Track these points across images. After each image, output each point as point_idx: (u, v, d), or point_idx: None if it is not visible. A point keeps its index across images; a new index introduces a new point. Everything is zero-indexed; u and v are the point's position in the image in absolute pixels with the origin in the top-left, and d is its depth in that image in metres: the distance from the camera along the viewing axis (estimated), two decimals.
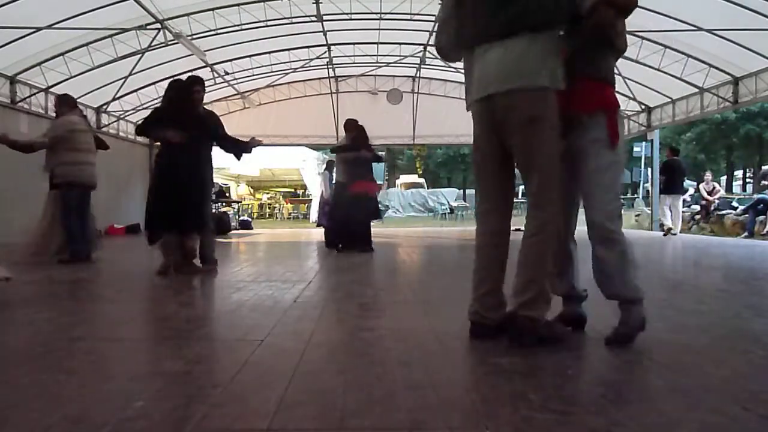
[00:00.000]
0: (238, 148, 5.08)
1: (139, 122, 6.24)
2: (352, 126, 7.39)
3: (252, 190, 25.22)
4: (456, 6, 2.33)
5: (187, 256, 4.68)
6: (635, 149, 24.45)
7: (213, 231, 5.29)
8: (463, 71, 2.44)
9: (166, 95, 4.85)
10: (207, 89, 12.35)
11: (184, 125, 4.66)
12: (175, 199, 4.59)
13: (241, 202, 19.80)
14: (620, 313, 2.22)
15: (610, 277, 2.22)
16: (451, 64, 11.98)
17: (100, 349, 2.20)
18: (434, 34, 2.61)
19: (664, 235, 10.21)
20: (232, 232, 12.69)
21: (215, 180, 21.60)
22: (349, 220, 7.00)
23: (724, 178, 31.06)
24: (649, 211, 13.26)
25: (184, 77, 5.05)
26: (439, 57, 2.73)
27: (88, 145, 5.84)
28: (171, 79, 5.07)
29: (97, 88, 10.08)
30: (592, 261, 2.27)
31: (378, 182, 8.02)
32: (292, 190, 24.82)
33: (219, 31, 9.58)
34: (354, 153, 7.01)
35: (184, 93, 4.80)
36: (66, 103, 5.91)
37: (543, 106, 2.14)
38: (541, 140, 2.16)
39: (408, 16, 9.83)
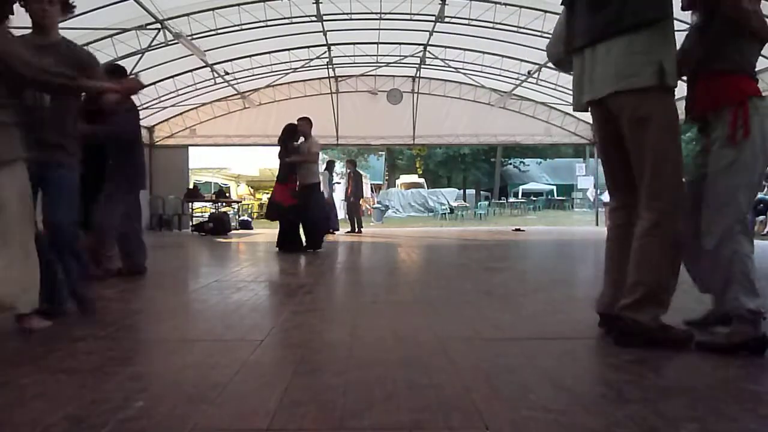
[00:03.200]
0: None
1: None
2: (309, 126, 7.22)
3: (252, 190, 25.24)
4: (568, 15, 2.40)
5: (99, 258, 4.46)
6: None
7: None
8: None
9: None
10: (207, 89, 12.54)
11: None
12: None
13: (241, 202, 19.79)
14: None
15: (714, 285, 2.22)
16: (450, 65, 12.00)
17: (100, 349, 2.20)
18: (550, 45, 2.66)
19: None
20: (232, 232, 12.69)
21: (215, 180, 21.63)
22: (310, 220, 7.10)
23: None
24: None
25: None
26: (551, 59, 2.76)
27: None
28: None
29: None
30: None
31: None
32: None
33: (219, 31, 9.57)
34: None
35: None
36: None
37: (650, 105, 2.13)
38: (651, 139, 2.14)
39: (408, 16, 9.82)
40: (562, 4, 2.46)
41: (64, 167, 2.79)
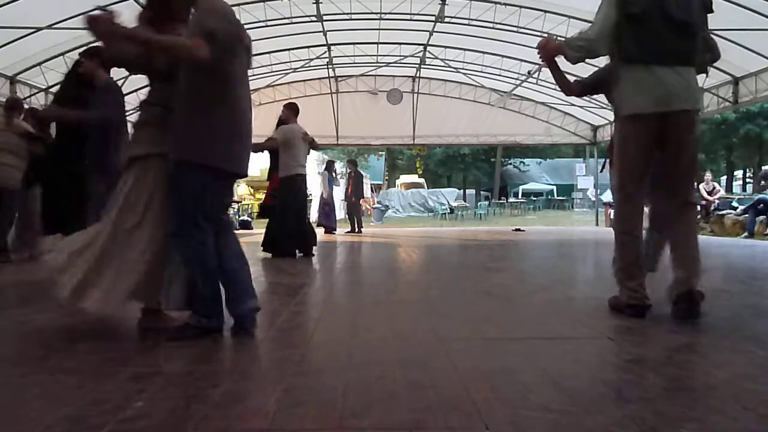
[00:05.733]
0: None
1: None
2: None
3: (252, 190, 25.22)
4: (629, 24, 2.57)
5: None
6: None
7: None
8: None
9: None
10: None
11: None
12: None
13: (241, 202, 19.78)
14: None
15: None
16: (450, 65, 12.00)
17: (100, 350, 2.20)
18: (598, 36, 2.63)
19: None
20: None
21: None
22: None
23: (724, 178, 31.01)
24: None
25: None
26: (586, 50, 2.69)
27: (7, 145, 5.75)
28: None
29: None
30: None
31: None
32: None
33: None
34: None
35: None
36: None
37: (698, 125, 2.68)
38: (695, 150, 2.72)
39: (408, 16, 9.83)
40: (629, 12, 2.55)
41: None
